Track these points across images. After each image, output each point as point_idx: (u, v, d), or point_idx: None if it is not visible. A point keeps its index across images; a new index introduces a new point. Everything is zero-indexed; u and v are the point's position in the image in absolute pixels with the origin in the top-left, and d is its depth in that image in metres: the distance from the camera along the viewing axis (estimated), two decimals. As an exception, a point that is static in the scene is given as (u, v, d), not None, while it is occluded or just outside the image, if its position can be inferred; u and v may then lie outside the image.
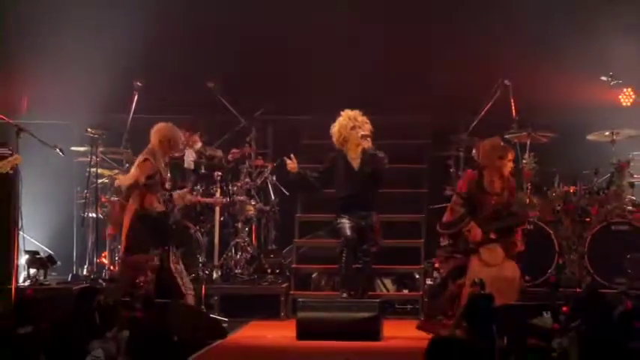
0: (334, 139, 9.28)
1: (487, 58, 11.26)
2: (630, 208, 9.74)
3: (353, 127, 9.18)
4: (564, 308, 7.07)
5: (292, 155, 9.30)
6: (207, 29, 11.73)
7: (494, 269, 8.52)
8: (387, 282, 10.95)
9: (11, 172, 9.06)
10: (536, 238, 9.39)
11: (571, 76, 11.08)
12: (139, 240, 8.97)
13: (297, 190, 10.76)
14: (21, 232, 9.50)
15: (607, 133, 10.07)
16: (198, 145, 10.75)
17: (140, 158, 9.03)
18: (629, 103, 10.80)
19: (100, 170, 10.66)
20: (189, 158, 10.67)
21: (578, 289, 9.12)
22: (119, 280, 9.30)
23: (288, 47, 11.70)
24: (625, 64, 10.63)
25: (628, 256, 9.34)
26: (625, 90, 10.74)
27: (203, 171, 10.61)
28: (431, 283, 10.16)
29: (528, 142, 10.01)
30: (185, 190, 9.72)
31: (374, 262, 9.30)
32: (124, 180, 9.21)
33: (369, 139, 9.21)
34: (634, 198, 9.88)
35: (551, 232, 9.58)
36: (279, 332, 9.01)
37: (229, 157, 10.78)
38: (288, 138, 11.40)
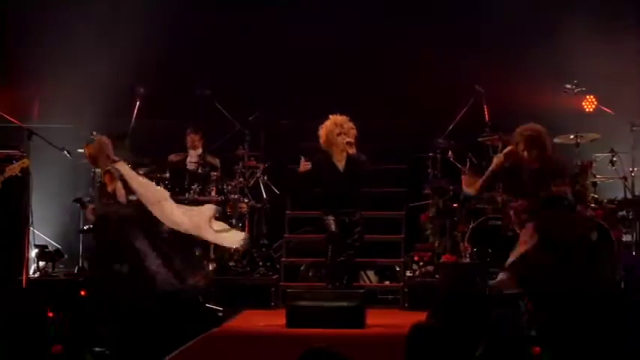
0: (321, 140, 9.13)
1: (462, 68, 11.32)
2: (593, 205, 9.78)
3: (339, 134, 8.99)
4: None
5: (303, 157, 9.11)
6: (205, 39, 11.72)
7: None
8: (370, 274, 10.96)
9: (20, 175, 8.98)
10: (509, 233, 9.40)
11: (539, 84, 11.16)
12: None
13: (287, 191, 10.72)
14: (31, 228, 9.49)
15: (572, 137, 10.12)
16: (200, 150, 10.73)
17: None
18: (591, 109, 10.81)
19: (104, 171, 10.63)
20: (193, 160, 10.65)
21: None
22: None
23: (280, 57, 11.74)
24: (588, 73, 10.67)
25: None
26: (588, 97, 10.75)
27: (200, 171, 10.58)
28: (410, 274, 10.18)
29: (500, 145, 10.01)
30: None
31: (358, 255, 9.22)
32: None
33: (353, 146, 9.05)
34: (596, 196, 9.93)
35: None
36: (270, 320, 8.98)
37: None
38: (279, 141, 11.38)
